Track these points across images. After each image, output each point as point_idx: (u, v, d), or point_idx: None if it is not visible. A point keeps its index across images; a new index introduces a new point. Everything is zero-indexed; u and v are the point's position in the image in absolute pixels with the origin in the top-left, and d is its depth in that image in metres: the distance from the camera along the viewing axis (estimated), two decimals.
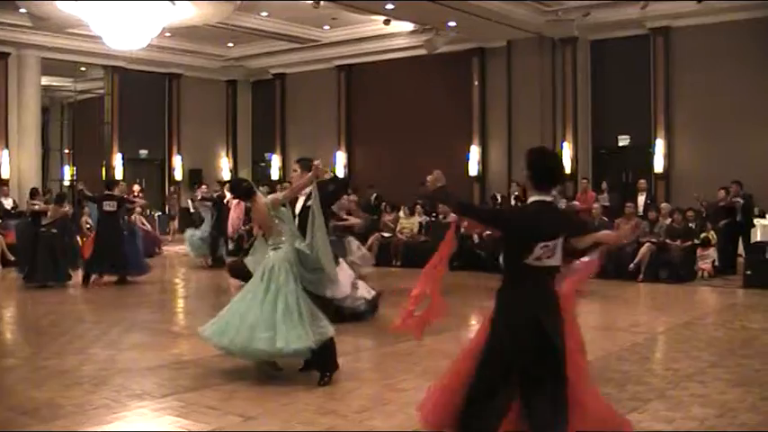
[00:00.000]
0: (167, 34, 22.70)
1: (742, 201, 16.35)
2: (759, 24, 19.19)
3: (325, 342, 7.20)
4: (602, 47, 21.84)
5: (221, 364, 7.98)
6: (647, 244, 15.96)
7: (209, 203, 19.00)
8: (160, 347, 9.25)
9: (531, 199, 4.90)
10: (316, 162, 7.57)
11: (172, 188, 27.20)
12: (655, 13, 19.98)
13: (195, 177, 27.44)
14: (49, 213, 15.45)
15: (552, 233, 4.73)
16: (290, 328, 7.03)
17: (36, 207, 16.15)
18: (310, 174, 7.44)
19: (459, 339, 10.11)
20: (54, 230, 15.28)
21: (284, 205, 7.56)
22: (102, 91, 27.50)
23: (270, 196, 7.67)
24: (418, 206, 19.91)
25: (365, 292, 11.05)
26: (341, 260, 10.41)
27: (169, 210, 26.43)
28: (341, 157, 26.58)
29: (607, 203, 18.79)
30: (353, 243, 12.06)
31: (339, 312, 9.80)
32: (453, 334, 10.20)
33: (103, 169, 26.49)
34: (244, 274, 9.11)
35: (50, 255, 14.97)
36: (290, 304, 7.12)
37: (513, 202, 15.11)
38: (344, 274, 10.36)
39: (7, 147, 24.02)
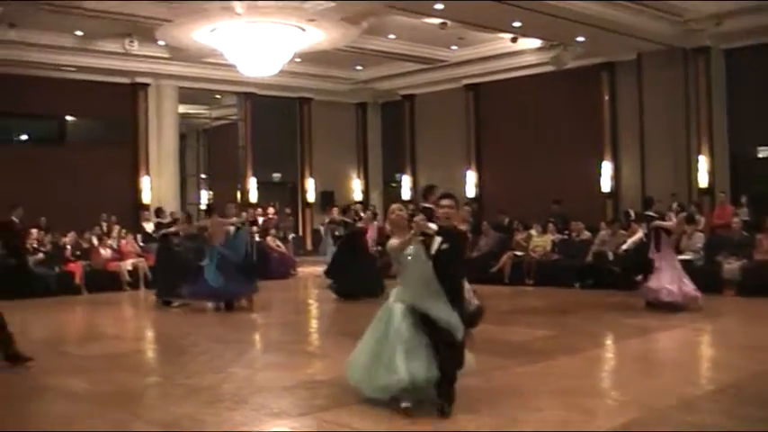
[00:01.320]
0: (297, 60, 23.16)
1: None
2: None
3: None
4: (737, 55, 21.21)
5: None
6: None
7: (339, 226, 18.97)
8: (295, 367, 9.40)
9: None
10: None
11: (287, 210, 26.93)
12: None
13: (327, 199, 27.85)
14: (180, 232, 16.64)
15: None
16: (412, 359, 7.02)
17: (166, 229, 17.37)
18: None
19: (593, 359, 9.99)
20: (179, 248, 16.42)
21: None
22: (235, 117, 28.28)
23: (388, 244, 7.57)
24: (551, 224, 19.71)
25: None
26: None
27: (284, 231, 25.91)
28: (471, 177, 26.55)
29: (747, 218, 18.24)
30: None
31: None
32: (587, 354, 10.08)
33: (238, 193, 27.16)
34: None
35: (181, 271, 15.67)
36: (409, 338, 7.10)
37: (673, 218, 14.56)
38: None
39: (148, 173, 24.93)
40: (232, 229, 15.33)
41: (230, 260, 14.80)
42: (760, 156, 21.07)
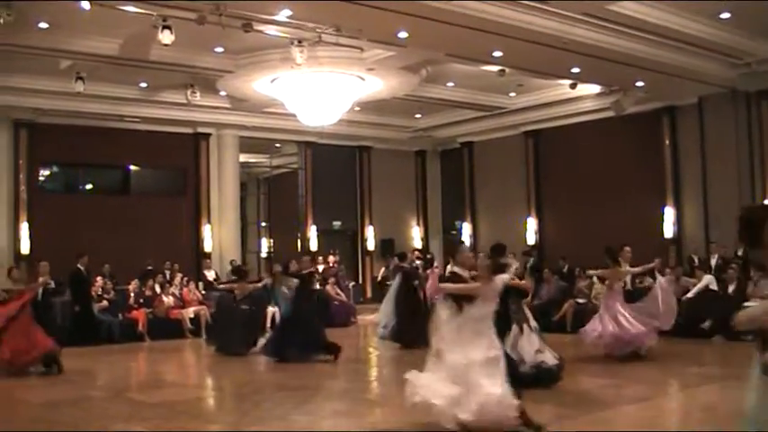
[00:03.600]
0: (357, 108, 23.37)
1: None
2: None
3: None
4: None
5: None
6: None
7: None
8: (357, 415, 9.39)
9: None
10: None
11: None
12: None
13: (387, 247, 27.89)
14: (236, 291, 16.53)
15: None
16: None
17: (223, 286, 18.08)
18: None
19: (660, 407, 9.83)
20: (244, 306, 16.26)
21: None
22: (295, 165, 28.55)
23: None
24: None
25: (550, 358, 10.81)
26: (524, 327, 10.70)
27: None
28: (532, 224, 26.44)
29: None
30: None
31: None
32: (653, 402, 9.94)
33: (299, 241, 27.34)
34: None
35: (239, 326, 15.84)
36: None
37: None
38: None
39: (209, 221, 25.21)
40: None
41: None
42: None
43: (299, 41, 17.17)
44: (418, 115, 27.53)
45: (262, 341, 15.49)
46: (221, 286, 18.84)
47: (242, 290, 16.38)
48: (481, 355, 7.70)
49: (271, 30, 17.05)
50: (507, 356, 8.77)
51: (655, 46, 18.08)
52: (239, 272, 17.82)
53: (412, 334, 16.28)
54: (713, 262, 19.40)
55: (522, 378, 9.55)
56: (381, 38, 17.29)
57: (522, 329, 10.69)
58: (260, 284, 16.09)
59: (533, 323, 11.10)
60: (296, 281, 15.24)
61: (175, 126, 24.47)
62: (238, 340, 15.59)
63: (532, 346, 10.66)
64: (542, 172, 26.41)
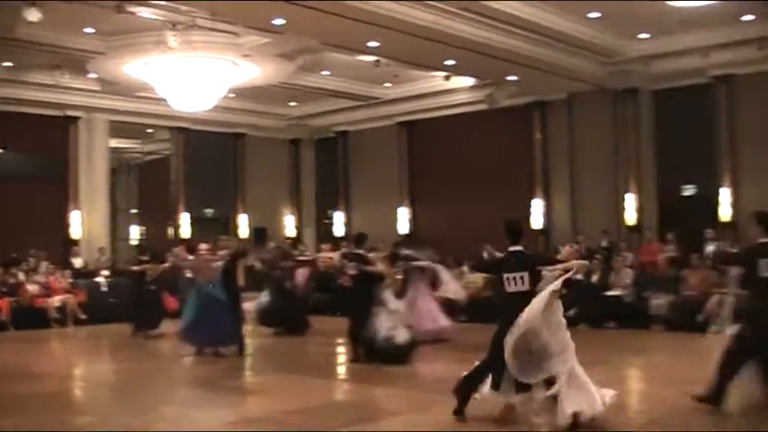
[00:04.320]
0: (231, 95, 23.11)
1: None
2: None
3: None
4: (665, 96, 21.68)
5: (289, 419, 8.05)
6: (716, 295, 15.71)
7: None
8: (229, 405, 9.34)
9: None
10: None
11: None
12: (716, 62, 19.85)
13: (260, 235, 27.69)
14: (148, 272, 17.37)
15: None
16: None
17: (134, 268, 18.33)
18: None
19: None
20: (153, 287, 17.40)
21: None
22: (168, 151, 28.03)
23: None
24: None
25: (402, 337, 12.36)
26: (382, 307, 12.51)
27: None
28: (404, 214, 26.65)
29: (674, 254, 18.60)
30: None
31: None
32: None
33: (170, 228, 26.89)
34: None
35: (149, 307, 17.04)
36: None
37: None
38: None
39: (78, 208, 24.52)
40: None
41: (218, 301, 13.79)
42: (685, 194, 21.50)
43: (173, 25, 16.88)
44: (294, 103, 27.39)
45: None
46: (134, 268, 18.57)
47: (153, 271, 17.08)
48: None
49: (144, 12, 16.69)
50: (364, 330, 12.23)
51: (528, 42, 18.46)
52: (152, 254, 18.32)
53: (286, 319, 16.55)
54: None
55: (376, 349, 12.17)
56: (257, 24, 17.11)
57: (380, 309, 12.40)
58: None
59: (394, 305, 12.71)
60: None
61: (43, 108, 23.58)
62: (149, 320, 16.73)
63: (387, 324, 12.28)
64: (416, 163, 26.63)
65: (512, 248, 8.27)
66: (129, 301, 18.38)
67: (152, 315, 17.10)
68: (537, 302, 7.55)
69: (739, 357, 8.04)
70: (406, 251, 15.71)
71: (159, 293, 17.80)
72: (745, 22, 18.26)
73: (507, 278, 8.00)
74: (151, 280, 17.38)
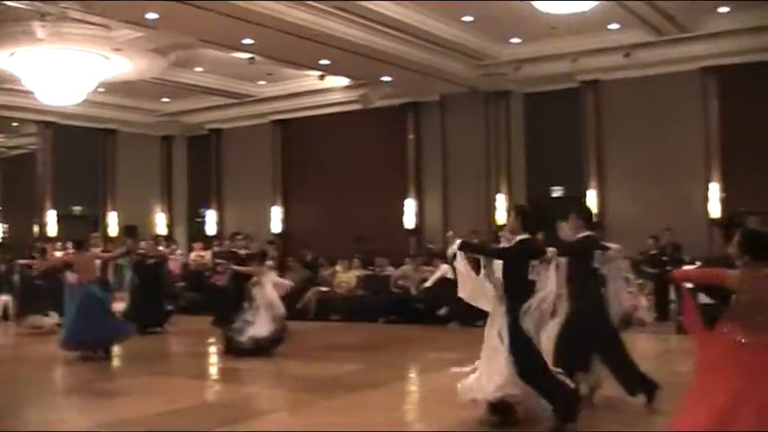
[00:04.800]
0: (101, 89, 22.57)
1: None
2: (684, 77, 19.74)
3: None
4: (535, 100, 22.21)
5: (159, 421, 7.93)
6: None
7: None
8: (92, 409, 9.14)
9: None
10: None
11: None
12: (585, 67, 20.45)
13: (130, 233, 27.05)
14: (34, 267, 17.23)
15: None
16: None
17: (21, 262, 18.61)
18: None
19: (399, 392, 10.18)
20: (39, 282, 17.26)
21: None
22: (35, 146, 27.18)
23: None
24: (356, 260, 19.98)
25: (263, 330, 12.80)
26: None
27: None
28: (277, 212, 26.52)
29: None
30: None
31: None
32: (393, 387, 10.25)
33: (35, 226, 26.09)
34: None
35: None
36: None
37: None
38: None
39: None
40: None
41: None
42: (554, 195, 22.04)
43: (43, 15, 16.39)
44: (166, 99, 26.91)
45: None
46: (21, 262, 18.72)
47: (40, 267, 16.72)
48: None
49: (12, 1, 16.14)
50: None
51: (402, 43, 18.64)
52: (40, 249, 18.36)
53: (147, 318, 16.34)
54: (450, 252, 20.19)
55: (239, 342, 12.75)
56: (130, 18, 16.76)
57: (249, 305, 12.95)
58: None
59: (260, 302, 12.99)
60: None
61: None
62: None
63: (254, 318, 12.81)
64: (290, 162, 26.51)
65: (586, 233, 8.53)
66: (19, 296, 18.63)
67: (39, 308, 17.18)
68: None
69: (572, 347, 8.14)
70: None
71: (47, 287, 17.23)
72: (613, 30, 18.90)
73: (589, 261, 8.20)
74: (37, 275, 17.12)
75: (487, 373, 7.58)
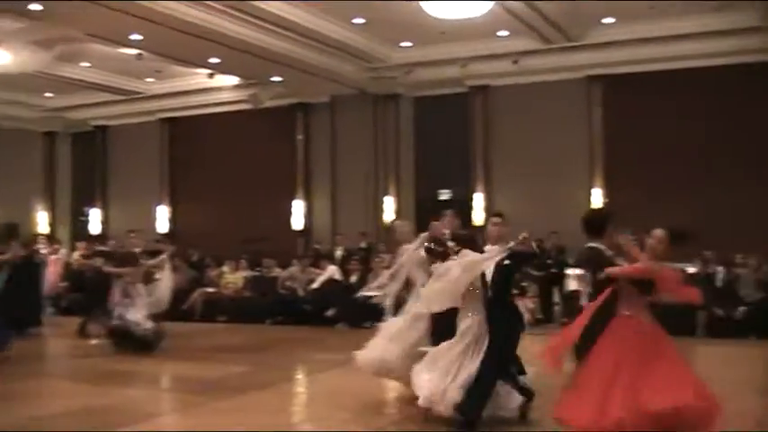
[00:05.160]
0: None
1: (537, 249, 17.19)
2: (570, 85, 20.23)
3: None
4: (425, 103, 22.43)
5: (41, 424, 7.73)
6: None
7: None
8: None
9: None
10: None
11: None
12: (474, 73, 20.74)
13: (12, 231, 26.29)
14: None
15: None
16: None
17: None
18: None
19: (286, 393, 10.15)
20: None
21: None
22: None
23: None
24: (243, 260, 19.83)
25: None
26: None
27: None
28: (164, 212, 26.11)
29: None
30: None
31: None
32: (281, 388, 10.22)
33: None
34: None
35: None
36: None
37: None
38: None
39: None
40: None
41: None
42: (441, 198, 22.26)
43: None
44: (49, 94, 26.16)
45: None
46: None
47: None
48: None
49: None
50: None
51: (293, 43, 18.61)
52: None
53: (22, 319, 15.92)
54: (338, 253, 20.26)
55: (120, 335, 13.06)
56: (12, 8, 16.25)
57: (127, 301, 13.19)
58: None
59: (140, 300, 13.22)
60: None
61: None
62: None
63: (131, 315, 13.01)
64: (178, 160, 26.12)
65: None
66: None
67: None
68: None
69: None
70: None
71: None
72: (502, 36, 19.23)
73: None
74: None
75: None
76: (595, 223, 7.11)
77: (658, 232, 6.58)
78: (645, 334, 6.44)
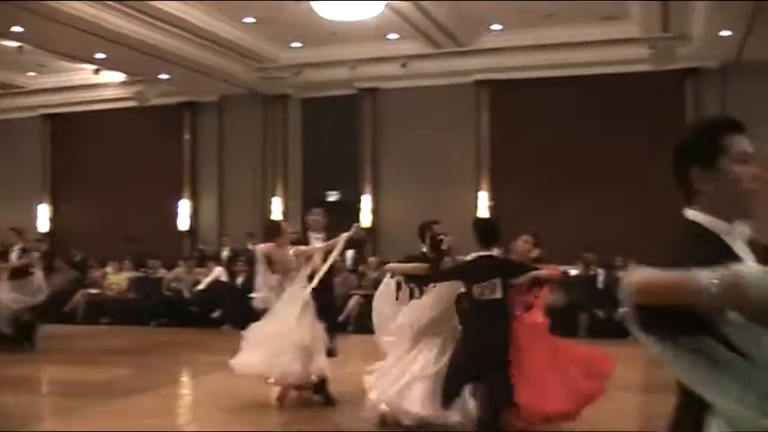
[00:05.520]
0: None
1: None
2: (458, 89, 20.48)
3: None
4: (314, 104, 22.38)
5: None
6: (355, 297, 16.49)
7: None
8: None
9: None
10: None
11: None
12: (363, 75, 20.80)
13: None
14: None
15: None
16: None
17: None
18: None
19: (171, 396, 10.01)
20: None
21: None
22: None
23: None
24: (127, 261, 19.48)
25: None
26: None
27: None
28: (44, 210, 25.41)
29: None
30: None
31: None
32: (165, 391, 10.10)
33: None
34: None
35: None
36: None
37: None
38: None
39: None
40: None
41: None
42: (330, 199, 22.26)
43: None
44: None
45: None
46: None
47: None
48: None
49: None
50: None
51: (180, 40, 18.33)
52: None
53: None
54: (224, 254, 20.08)
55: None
56: None
57: None
58: None
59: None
60: None
61: None
62: None
63: None
64: (61, 158, 25.43)
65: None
66: None
67: None
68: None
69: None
70: None
71: None
72: (392, 40, 19.33)
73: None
74: None
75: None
76: (489, 232, 7.29)
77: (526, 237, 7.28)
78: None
